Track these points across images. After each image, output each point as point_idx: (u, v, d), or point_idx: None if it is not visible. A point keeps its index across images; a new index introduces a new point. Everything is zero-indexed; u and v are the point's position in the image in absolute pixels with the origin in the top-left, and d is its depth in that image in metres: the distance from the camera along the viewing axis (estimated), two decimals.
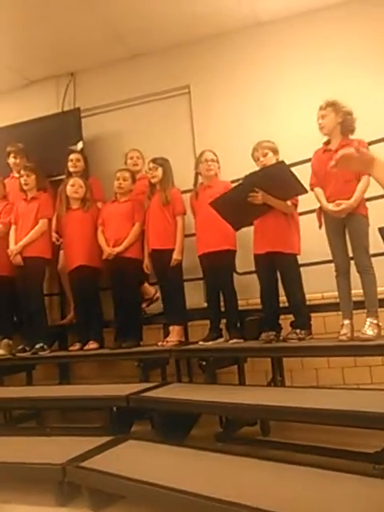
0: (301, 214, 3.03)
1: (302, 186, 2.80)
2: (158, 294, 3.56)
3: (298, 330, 2.79)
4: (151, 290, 3.68)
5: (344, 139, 2.74)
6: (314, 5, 3.62)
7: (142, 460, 2.17)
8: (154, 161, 3.45)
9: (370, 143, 2.81)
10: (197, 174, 3.38)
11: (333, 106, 2.74)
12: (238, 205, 2.88)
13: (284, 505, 1.54)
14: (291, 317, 2.90)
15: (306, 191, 2.81)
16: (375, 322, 2.55)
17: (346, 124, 2.75)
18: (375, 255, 2.68)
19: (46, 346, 3.48)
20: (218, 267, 3.16)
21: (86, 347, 3.44)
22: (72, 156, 3.87)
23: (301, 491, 1.65)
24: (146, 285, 3.67)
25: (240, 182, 2.95)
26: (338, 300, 2.76)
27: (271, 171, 2.86)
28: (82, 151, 4.00)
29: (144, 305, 3.65)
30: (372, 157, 1.39)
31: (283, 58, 3.77)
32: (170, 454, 2.23)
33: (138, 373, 3.10)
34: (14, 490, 2.21)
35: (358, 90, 3.34)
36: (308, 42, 3.70)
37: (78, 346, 3.52)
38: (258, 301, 3.04)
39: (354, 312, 2.66)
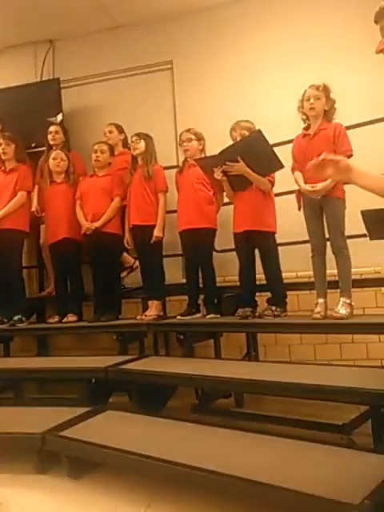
0: (278, 194, 3.08)
1: (278, 160, 2.84)
2: (137, 263, 3.58)
3: (273, 307, 2.88)
4: (130, 258, 3.70)
5: (323, 123, 2.78)
6: None
7: (119, 430, 2.23)
8: (137, 134, 3.42)
9: (351, 127, 2.86)
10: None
11: (326, 90, 2.76)
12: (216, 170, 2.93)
13: (256, 472, 1.61)
14: (267, 294, 2.99)
15: (282, 166, 2.86)
16: (348, 301, 2.64)
17: (329, 112, 2.79)
18: (351, 237, 2.76)
19: (24, 318, 3.49)
20: (198, 244, 3.20)
21: (65, 320, 3.47)
22: (51, 128, 3.81)
23: (272, 460, 1.73)
24: (125, 254, 3.68)
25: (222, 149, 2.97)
26: (311, 279, 2.86)
27: (249, 140, 2.89)
28: (61, 123, 3.92)
29: (123, 273, 3.67)
30: (348, 165, 1.36)
31: (267, 34, 3.75)
32: (147, 423, 2.29)
33: (116, 346, 3.16)
34: None
35: (341, 70, 3.36)
36: (292, 19, 3.68)
37: (56, 318, 3.54)
38: (235, 278, 3.11)
39: (328, 291, 2.75)
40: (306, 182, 2.77)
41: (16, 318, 3.45)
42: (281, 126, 3.12)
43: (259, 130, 2.82)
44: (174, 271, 3.60)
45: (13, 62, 4.27)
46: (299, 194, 2.86)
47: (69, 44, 4.23)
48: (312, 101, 2.77)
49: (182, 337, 2.90)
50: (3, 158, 3.66)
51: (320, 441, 1.87)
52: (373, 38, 1.53)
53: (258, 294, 3.03)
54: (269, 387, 2.15)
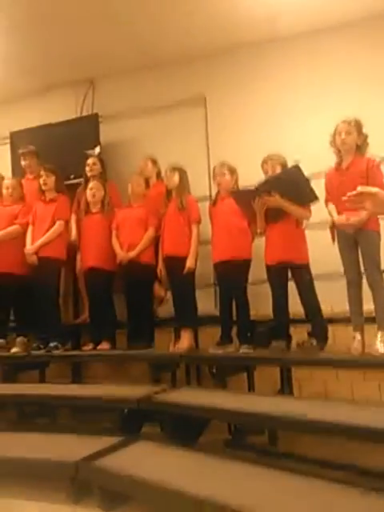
0: (312, 227, 3.08)
1: (313, 192, 2.87)
2: (169, 295, 3.61)
3: (313, 340, 2.84)
4: (161, 290, 3.74)
5: (356, 158, 2.79)
6: (330, 23, 3.67)
7: (152, 462, 2.22)
8: (171, 167, 3.52)
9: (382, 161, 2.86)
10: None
11: (358, 125, 2.79)
12: (253, 203, 2.97)
13: None
14: (301, 327, 2.95)
15: (317, 198, 2.88)
16: None
17: (362, 147, 2.81)
18: None
19: (59, 345, 3.55)
20: (233, 276, 3.21)
21: (99, 347, 3.52)
22: (89, 160, 3.96)
23: (310, 505, 1.67)
24: (157, 285, 3.72)
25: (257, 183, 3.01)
26: (347, 313, 2.81)
27: (287, 174, 2.94)
28: (99, 155, 4.07)
29: (155, 305, 3.71)
30: None
31: (298, 70, 3.83)
32: (180, 456, 2.28)
33: (147, 375, 3.17)
34: (24, 486, 2.25)
35: (368, 107, 3.38)
36: (323, 54, 3.75)
37: (90, 345, 3.59)
38: (268, 310, 3.09)
39: (365, 326, 2.70)
40: (339, 215, 2.77)
41: (52, 344, 3.52)
42: (312, 159, 3.15)
43: (297, 165, 2.85)
44: (206, 302, 3.62)
45: (56, 101, 4.50)
46: (333, 226, 2.85)
47: (107, 82, 4.43)
48: (343, 136, 2.80)
49: (215, 369, 2.89)
50: (44, 188, 3.82)
51: (356, 485, 1.80)
52: None
53: (292, 327, 3.00)
54: (306, 425, 2.08)
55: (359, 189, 1.39)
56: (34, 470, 2.32)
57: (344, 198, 1.47)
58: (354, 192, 1.39)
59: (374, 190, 1.41)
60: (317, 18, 3.65)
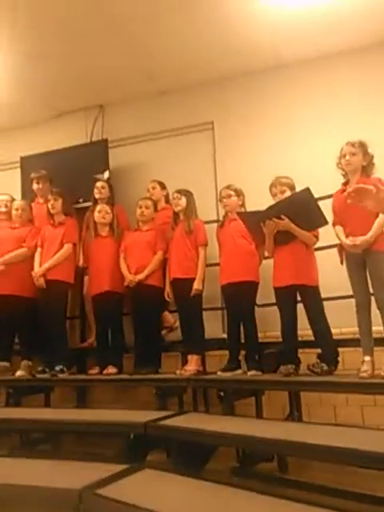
0: (320, 248, 3.07)
1: (323, 216, 2.87)
2: (178, 323, 3.59)
3: (323, 365, 2.78)
4: (171, 318, 3.72)
5: (361, 178, 2.80)
6: (334, 49, 3.77)
7: (157, 491, 2.15)
8: (178, 191, 3.55)
9: None
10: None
11: (363, 147, 2.81)
12: (262, 226, 2.97)
13: None
14: (310, 351, 2.90)
15: (326, 222, 2.88)
16: None
17: (368, 167, 2.82)
18: None
19: (65, 369, 3.51)
20: (241, 298, 3.20)
21: (105, 372, 3.47)
22: (98, 184, 4.01)
23: None
24: (167, 313, 3.72)
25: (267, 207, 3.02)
26: (356, 336, 2.76)
27: (297, 198, 2.95)
28: (107, 180, 4.13)
29: (163, 332, 3.69)
30: None
31: (303, 98, 3.91)
32: (186, 485, 2.20)
33: (154, 400, 3.11)
34: None
35: (375, 131, 3.41)
36: (327, 84, 3.83)
37: (97, 369, 3.55)
38: (276, 333, 3.05)
39: (375, 349, 2.65)
40: (347, 237, 2.76)
41: (58, 368, 3.48)
42: (319, 181, 3.16)
43: (307, 188, 2.86)
44: (213, 325, 3.59)
45: (66, 126, 4.60)
46: (341, 248, 2.84)
47: (117, 108, 4.53)
48: (348, 157, 2.82)
49: (222, 393, 2.83)
50: (52, 212, 3.85)
51: None
52: None
53: (300, 350, 2.95)
54: (316, 451, 2.01)
55: (355, 186, 1.40)
56: (36, 498, 2.26)
57: (345, 194, 1.46)
58: (351, 188, 1.39)
59: (366, 186, 1.41)
60: (320, 45, 3.74)
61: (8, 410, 3.36)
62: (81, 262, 3.86)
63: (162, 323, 3.68)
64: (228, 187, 3.41)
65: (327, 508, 1.77)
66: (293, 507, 1.85)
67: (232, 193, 3.38)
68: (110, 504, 2.04)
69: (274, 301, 3.08)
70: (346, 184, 2.89)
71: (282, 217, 2.91)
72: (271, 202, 3.09)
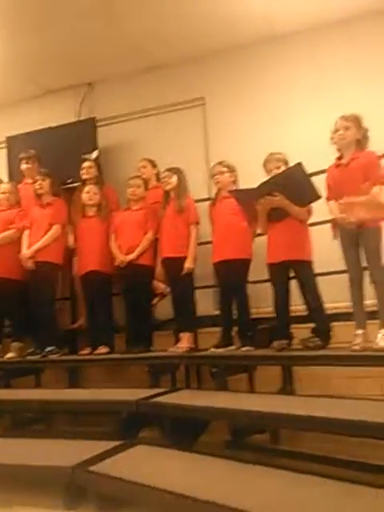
0: (313, 224, 3.05)
1: (316, 190, 2.83)
2: (168, 289, 3.53)
3: (316, 339, 2.78)
4: (160, 285, 3.66)
5: (356, 152, 2.76)
6: (327, 20, 3.70)
7: (150, 465, 2.16)
8: (168, 169, 3.50)
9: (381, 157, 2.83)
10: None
11: (356, 120, 2.76)
12: (255, 203, 2.93)
13: None
14: (303, 326, 2.89)
15: (320, 197, 2.85)
16: None
17: (362, 141, 2.77)
18: None
19: (56, 349, 3.49)
20: (233, 276, 3.17)
21: (97, 352, 3.45)
22: (84, 164, 3.94)
23: (311, 501, 1.63)
24: (155, 281, 3.66)
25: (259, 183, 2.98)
26: (349, 310, 2.76)
27: (289, 173, 2.90)
28: (96, 159, 4.05)
29: (155, 300, 3.63)
30: (380, 203, 1.35)
31: (295, 70, 3.84)
32: (179, 459, 2.21)
33: (147, 378, 3.10)
34: (20, 492, 2.21)
35: (370, 104, 3.37)
36: (321, 56, 3.76)
37: (88, 350, 3.53)
38: (268, 309, 3.04)
39: (368, 323, 2.65)
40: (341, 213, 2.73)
41: (48, 349, 3.46)
42: (313, 156, 3.11)
43: (299, 163, 2.82)
44: (205, 303, 3.57)
45: (54, 105, 4.50)
46: (335, 223, 2.81)
47: (106, 85, 4.44)
48: (341, 132, 2.78)
49: (215, 370, 2.83)
50: (39, 192, 3.78)
51: (363, 482, 1.74)
52: None
53: (293, 326, 2.94)
54: (307, 422, 2.02)
55: (342, 201, 1.36)
56: (29, 476, 2.27)
57: (339, 203, 1.43)
58: (342, 201, 1.36)
59: (360, 199, 1.37)
60: (314, 16, 3.67)
61: None
62: (70, 243, 3.80)
63: (153, 291, 3.61)
64: (220, 163, 3.36)
65: (319, 475, 1.79)
66: (285, 475, 1.86)
67: (224, 169, 3.33)
68: (103, 480, 2.04)
69: (266, 277, 3.06)
70: (340, 158, 2.85)
71: (275, 194, 2.87)
72: (264, 177, 3.05)
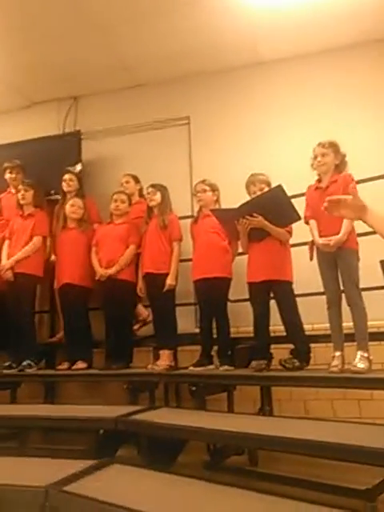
0: (294, 245, 3.09)
1: (296, 212, 2.88)
2: (151, 317, 3.55)
3: (295, 361, 2.80)
4: (144, 311, 3.67)
5: (333, 175, 2.84)
6: (310, 49, 3.83)
7: (126, 486, 2.11)
8: (153, 185, 3.51)
9: (360, 181, 2.91)
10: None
11: (334, 146, 2.84)
12: (235, 223, 2.96)
13: None
14: (282, 346, 2.92)
15: (299, 218, 2.90)
16: (366, 355, 2.58)
17: (340, 165, 2.85)
18: (367, 289, 2.73)
19: (33, 364, 3.43)
20: (213, 294, 3.18)
21: (74, 367, 3.40)
22: (66, 176, 3.93)
23: None
24: (140, 306, 3.67)
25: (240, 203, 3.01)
26: (328, 331, 2.80)
27: (269, 196, 2.95)
28: (79, 172, 4.04)
29: (136, 326, 3.64)
30: (364, 204, 1.41)
31: (278, 94, 3.94)
32: (157, 480, 2.17)
33: (125, 395, 3.07)
34: None
35: (348, 129, 3.49)
36: (303, 82, 3.89)
37: (66, 365, 3.48)
38: (248, 329, 3.06)
39: (345, 345, 2.69)
40: (320, 235, 2.78)
41: (25, 363, 3.40)
42: (293, 178, 3.18)
43: (280, 185, 2.87)
44: (186, 321, 3.56)
45: (39, 117, 4.49)
46: (312, 244, 2.87)
47: (91, 100, 4.46)
48: (319, 159, 2.85)
49: (194, 388, 2.82)
50: (22, 202, 3.75)
51: (341, 507, 1.74)
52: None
53: (273, 346, 2.97)
54: (285, 444, 2.02)
55: (328, 199, 1.43)
56: (0, 497, 2.19)
57: (322, 207, 1.48)
58: (326, 204, 1.42)
59: (344, 197, 1.43)
60: (299, 44, 3.78)
61: None
62: (53, 257, 3.76)
63: (135, 317, 3.63)
64: (203, 182, 3.39)
65: (297, 500, 1.79)
66: (264, 499, 1.85)
67: (207, 188, 3.36)
68: (78, 500, 1.98)
69: (247, 296, 3.08)
70: (319, 181, 2.92)
71: (255, 215, 2.91)
72: (247, 197, 3.09)
